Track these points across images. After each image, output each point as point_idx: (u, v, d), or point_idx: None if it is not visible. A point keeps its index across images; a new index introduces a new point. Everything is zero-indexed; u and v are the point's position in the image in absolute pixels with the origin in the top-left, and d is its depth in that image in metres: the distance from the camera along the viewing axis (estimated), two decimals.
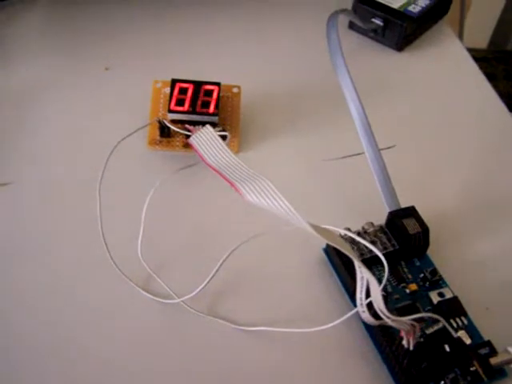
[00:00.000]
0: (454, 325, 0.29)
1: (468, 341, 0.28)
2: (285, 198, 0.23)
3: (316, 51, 0.41)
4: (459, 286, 0.30)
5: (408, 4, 0.46)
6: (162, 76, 0.38)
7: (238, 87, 0.38)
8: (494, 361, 0.26)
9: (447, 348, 0.27)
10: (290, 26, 0.47)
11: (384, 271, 0.29)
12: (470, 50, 0.48)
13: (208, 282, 0.28)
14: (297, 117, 0.39)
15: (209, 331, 0.28)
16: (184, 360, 0.27)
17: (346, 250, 0.23)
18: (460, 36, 0.58)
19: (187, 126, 0.34)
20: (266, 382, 0.27)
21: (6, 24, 0.45)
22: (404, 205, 0.33)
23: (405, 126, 0.40)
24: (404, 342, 0.26)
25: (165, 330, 0.28)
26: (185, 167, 0.29)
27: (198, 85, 0.35)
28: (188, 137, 0.35)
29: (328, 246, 0.32)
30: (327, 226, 0.24)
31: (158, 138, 0.36)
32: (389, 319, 0.24)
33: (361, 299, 0.24)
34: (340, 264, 0.31)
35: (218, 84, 0.36)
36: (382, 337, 0.28)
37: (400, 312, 0.28)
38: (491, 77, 0.46)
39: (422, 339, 0.27)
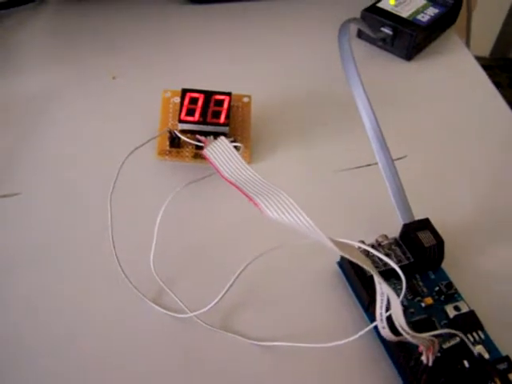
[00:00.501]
0: (471, 339, 0.28)
1: (486, 355, 0.27)
2: (305, 213, 0.22)
3: (327, 60, 0.41)
4: (474, 300, 0.30)
5: (417, 13, 0.46)
6: (169, 85, 0.38)
7: (249, 97, 0.37)
8: None
9: (466, 364, 0.26)
10: (300, 35, 0.46)
11: (399, 284, 0.29)
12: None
13: (222, 297, 0.27)
14: (308, 127, 0.39)
15: (222, 346, 0.28)
16: (197, 376, 0.27)
17: (367, 266, 0.23)
18: (467, 45, 0.58)
19: (198, 136, 0.33)
20: None
21: (13, 31, 0.45)
22: (416, 216, 0.32)
23: (415, 136, 0.40)
24: (423, 358, 0.25)
25: (177, 345, 0.28)
26: (198, 179, 0.28)
27: (208, 94, 0.35)
28: (198, 147, 0.35)
29: (342, 259, 0.31)
30: (343, 240, 0.24)
31: (168, 148, 0.36)
32: (408, 335, 0.24)
33: (381, 315, 0.24)
34: (355, 278, 0.30)
35: (228, 94, 0.35)
36: (399, 352, 0.27)
37: (416, 326, 0.28)
38: (496, 85, 0.46)
39: (439, 354, 0.27)
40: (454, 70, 0.45)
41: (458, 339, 0.28)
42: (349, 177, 0.36)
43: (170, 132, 0.35)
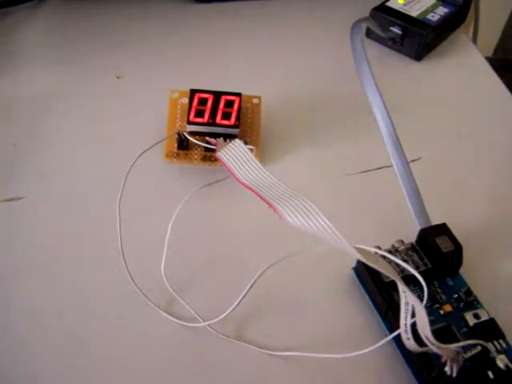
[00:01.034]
0: (493, 348, 0.27)
1: (509, 365, 0.26)
2: (327, 219, 0.21)
3: (337, 60, 0.40)
4: (494, 307, 0.29)
5: (427, 12, 0.45)
6: (175, 85, 0.37)
7: (259, 98, 0.36)
8: None
9: (491, 375, 0.25)
10: (309, 34, 0.46)
11: (417, 291, 0.28)
12: None
13: (236, 306, 0.26)
14: (319, 128, 0.38)
15: (237, 357, 0.27)
16: None
17: (391, 274, 0.22)
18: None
19: (208, 138, 0.32)
20: None
21: (14, 29, 0.44)
22: (432, 220, 0.31)
23: (428, 138, 0.39)
24: (447, 369, 0.25)
25: (189, 356, 0.27)
26: (212, 183, 0.27)
27: (217, 95, 0.34)
28: (207, 149, 0.34)
29: (358, 265, 0.30)
30: (362, 246, 0.23)
31: (176, 150, 0.35)
32: (434, 346, 0.23)
33: (405, 325, 0.23)
34: (371, 284, 0.29)
35: (238, 94, 0.34)
36: (420, 362, 0.26)
37: (435, 335, 0.27)
38: None
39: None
40: (465, 71, 0.44)
41: (479, 348, 0.27)
42: (361, 180, 0.35)
43: (179, 134, 0.34)
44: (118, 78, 0.40)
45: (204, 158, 0.34)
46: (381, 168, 0.35)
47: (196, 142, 0.33)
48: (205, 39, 0.44)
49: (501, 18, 0.85)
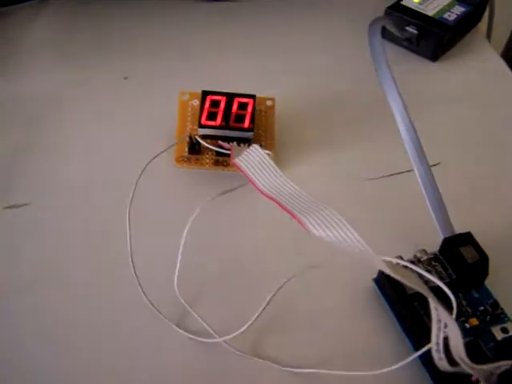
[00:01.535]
0: None
1: None
2: (355, 230, 0.20)
3: (353, 60, 0.38)
4: None
5: (443, 11, 0.44)
6: (184, 86, 0.35)
7: (272, 100, 0.35)
8: None
9: None
10: (323, 34, 0.44)
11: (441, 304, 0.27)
12: None
13: (254, 321, 0.25)
14: (334, 131, 0.36)
15: (254, 374, 0.25)
16: None
17: (423, 290, 0.21)
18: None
19: (221, 142, 0.31)
20: None
21: (16, 29, 0.42)
22: (455, 229, 0.30)
23: (447, 142, 0.37)
24: None
25: (204, 372, 0.25)
26: (227, 191, 0.26)
27: (230, 97, 0.33)
28: (219, 154, 0.32)
29: (379, 276, 0.29)
30: (389, 258, 0.21)
31: (187, 154, 0.33)
32: (468, 367, 0.21)
33: (437, 344, 0.21)
34: (394, 296, 0.28)
35: (252, 96, 0.33)
36: (449, 381, 0.25)
37: None
38: None
39: None
40: (482, 71, 0.43)
41: (509, 364, 0.25)
42: (381, 185, 0.34)
43: (190, 137, 0.32)
44: (125, 78, 0.39)
45: (216, 163, 0.33)
46: (401, 173, 0.34)
47: (209, 146, 0.31)
48: (214, 38, 0.43)
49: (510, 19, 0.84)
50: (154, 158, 0.28)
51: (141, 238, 0.27)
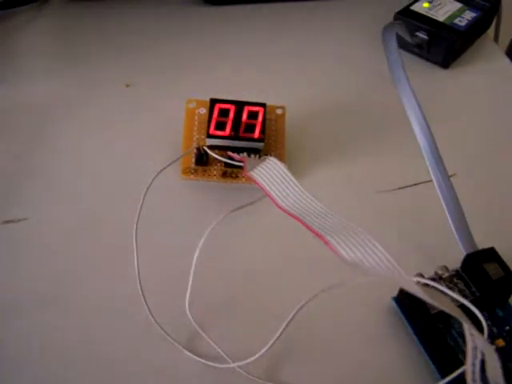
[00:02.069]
0: None
1: None
2: (387, 252, 0.19)
3: (367, 67, 0.37)
4: None
5: (454, 17, 0.42)
6: (190, 94, 0.34)
7: (283, 108, 0.33)
8: None
9: None
10: (333, 39, 0.43)
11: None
12: None
13: (270, 346, 0.23)
14: (348, 141, 0.35)
15: None
16: None
17: (458, 315, 0.19)
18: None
19: (230, 153, 0.30)
20: None
21: (15, 33, 0.41)
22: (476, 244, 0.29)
23: (462, 152, 0.36)
24: None
25: None
26: (242, 206, 0.24)
27: (240, 106, 0.31)
28: (228, 165, 0.31)
29: (400, 295, 0.28)
30: (420, 279, 0.20)
31: (193, 166, 0.32)
32: None
33: (473, 373, 0.20)
34: (416, 316, 0.27)
35: (263, 105, 0.31)
36: None
37: None
38: None
39: None
40: (494, 77, 0.42)
41: None
42: (396, 198, 0.32)
43: (198, 148, 0.31)
44: (127, 86, 0.37)
45: (224, 175, 0.31)
46: (417, 184, 0.33)
47: (218, 157, 0.30)
48: (220, 44, 0.41)
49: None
50: (158, 173, 0.26)
51: (149, 257, 0.26)
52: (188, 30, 0.42)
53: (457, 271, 0.28)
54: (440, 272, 0.28)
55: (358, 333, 0.26)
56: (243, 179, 0.31)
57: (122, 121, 0.35)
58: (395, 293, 0.28)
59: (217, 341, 0.25)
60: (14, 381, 0.24)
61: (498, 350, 0.26)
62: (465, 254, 0.28)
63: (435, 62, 0.42)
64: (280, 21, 0.44)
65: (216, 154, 0.31)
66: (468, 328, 0.19)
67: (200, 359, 0.24)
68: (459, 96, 0.40)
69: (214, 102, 0.31)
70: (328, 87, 0.38)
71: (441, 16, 0.42)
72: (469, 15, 0.43)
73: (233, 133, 0.31)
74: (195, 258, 0.24)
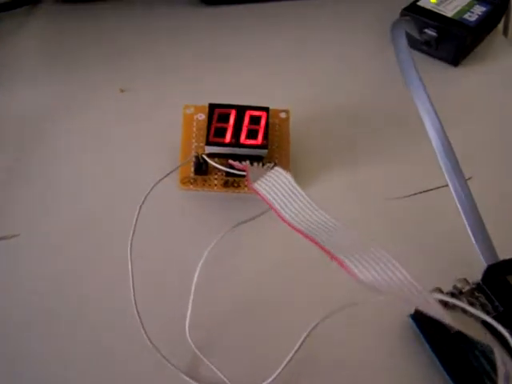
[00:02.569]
0: None
1: None
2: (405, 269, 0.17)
3: (374, 67, 0.35)
4: None
5: (463, 12, 0.40)
6: (188, 99, 0.32)
7: (286, 112, 0.31)
8: None
9: None
10: (337, 38, 0.41)
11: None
12: None
13: (279, 373, 0.21)
14: (356, 146, 0.33)
15: None
16: None
17: (488, 341, 0.17)
18: None
19: (231, 161, 0.28)
20: None
21: (6, 37, 0.39)
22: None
23: (476, 154, 0.34)
24: None
25: None
26: (246, 220, 0.22)
27: (241, 110, 0.29)
28: (229, 174, 0.29)
29: (417, 312, 0.26)
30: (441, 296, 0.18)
31: (193, 175, 0.30)
32: None
33: None
34: (435, 336, 0.25)
35: (265, 109, 0.29)
36: None
37: None
38: None
39: None
40: (507, 75, 0.40)
41: None
42: (409, 205, 0.31)
43: (197, 157, 0.29)
44: (121, 91, 0.35)
45: (226, 184, 0.29)
46: (431, 190, 0.31)
47: (218, 166, 0.28)
48: (218, 46, 0.39)
49: None
50: (155, 184, 0.24)
51: (145, 276, 0.24)
52: (184, 32, 0.41)
53: (478, 284, 0.26)
54: (459, 286, 0.26)
55: (372, 354, 0.24)
56: (246, 189, 0.29)
57: (117, 128, 0.33)
58: (412, 310, 0.26)
59: (219, 366, 0.23)
60: None
61: None
62: (486, 265, 0.26)
63: (444, 60, 0.40)
64: (280, 20, 0.42)
65: (216, 162, 0.29)
66: (500, 356, 0.17)
67: None
68: (471, 95, 0.38)
69: (213, 106, 0.29)
70: (333, 89, 0.36)
71: (449, 11, 0.40)
72: (478, 10, 0.41)
73: (234, 140, 0.29)
74: (196, 277, 0.22)
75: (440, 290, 0.25)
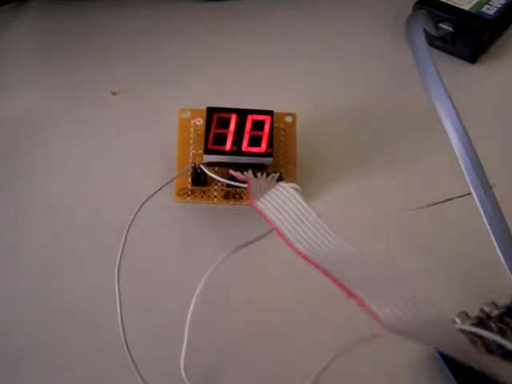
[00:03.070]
0: None
1: None
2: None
3: (386, 66, 0.33)
4: None
5: (480, 5, 0.38)
6: (185, 102, 0.29)
7: (293, 115, 0.29)
8: None
9: None
10: (346, 35, 0.38)
11: None
12: None
13: None
14: (368, 152, 0.30)
15: None
16: None
17: None
18: None
19: (232, 172, 0.25)
20: None
21: None
22: None
23: (500, 159, 0.31)
24: None
25: None
26: (248, 243, 0.20)
27: (243, 114, 0.27)
28: (230, 184, 0.26)
29: None
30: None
31: (190, 186, 0.27)
32: None
33: None
34: (466, 374, 0.22)
35: (269, 113, 0.27)
36: None
37: None
38: None
39: None
40: None
41: None
42: (428, 217, 0.28)
43: (194, 167, 0.26)
44: (113, 94, 0.33)
45: (227, 196, 0.27)
46: (452, 199, 0.28)
47: (217, 178, 0.25)
48: (219, 43, 0.36)
49: None
50: (146, 199, 0.22)
51: (135, 305, 0.21)
52: (182, 30, 0.38)
53: (507, 308, 0.24)
54: (487, 309, 0.23)
55: None
56: (248, 201, 0.26)
57: (107, 134, 0.30)
58: None
59: None
60: None
61: None
62: None
63: (461, 57, 0.37)
64: (286, 17, 0.39)
65: (215, 173, 0.26)
66: None
67: None
68: (490, 94, 0.35)
69: (211, 110, 0.27)
70: (343, 90, 0.34)
71: (466, 4, 0.38)
72: (497, 2, 0.38)
73: (235, 147, 0.26)
74: (192, 304, 0.20)
75: (466, 315, 0.23)
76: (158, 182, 0.25)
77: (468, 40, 0.37)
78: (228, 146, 0.26)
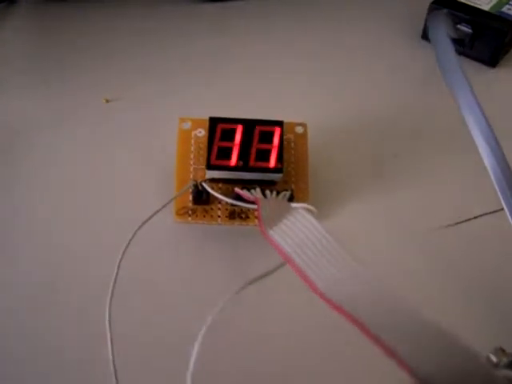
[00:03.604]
0: None
1: None
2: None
3: (405, 71, 0.30)
4: None
5: (500, 4, 0.35)
6: (185, 111, 0.27)
7: (303, 125, 0.26)
8: None
9: None
10: (359, 38, 0.36)
11: None
12: None
13: None
14: (387, 166, 0.28)
15: None
16: None
17: None
18: None
19: (237, 190, 0.22)
20: None
21: None
22: None
23: None
24: None
25: None
26: (256, 278, 0.17)
27: (250, 125, 0.24)
28: (234, 204, 0.24)
29: None
30: None
31: (191, 205, 0.24)
32: None
33: None
34: None
35: (279, 123, 0.24)
36: None
37: None
38: None
39: None
40: None
41: None
42: (455, 236, 0.25)
43: (196, 185, 0.23)
44: (106, 101, 0.30)
45: (231, 215, 0.24)
46: (482, 215, 0.25)
47: (221, 197, 0.23)
48: (223, 48, 0.34)
49: None
50: (141, 225, 0.19)
51: (128, 348, 0.18)
52: (182, 32, 0.35)
53: None
54: None
55: None
56: (256, 221, 0.24)
57: (98, 148, 0.28)
58: None
59: None
60: None
61: None
62: None
63: (480, 60, 0.35)
64: (295, 19, 0.37)
65: (219, 190, 0.24)
66: None
67: None
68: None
69: (214, 121, 0.24)
70: (357, 98, 0.31)
71: (485, 4, 0.35)
72: None
73: (241, 162, 0.24)
74: (195, 350, 0.17)
75: (503, 351, 0.20)
76: (154, 202, 0.22)
77: (488, 42, 0.34)
78: (233, 160, 0.24)
